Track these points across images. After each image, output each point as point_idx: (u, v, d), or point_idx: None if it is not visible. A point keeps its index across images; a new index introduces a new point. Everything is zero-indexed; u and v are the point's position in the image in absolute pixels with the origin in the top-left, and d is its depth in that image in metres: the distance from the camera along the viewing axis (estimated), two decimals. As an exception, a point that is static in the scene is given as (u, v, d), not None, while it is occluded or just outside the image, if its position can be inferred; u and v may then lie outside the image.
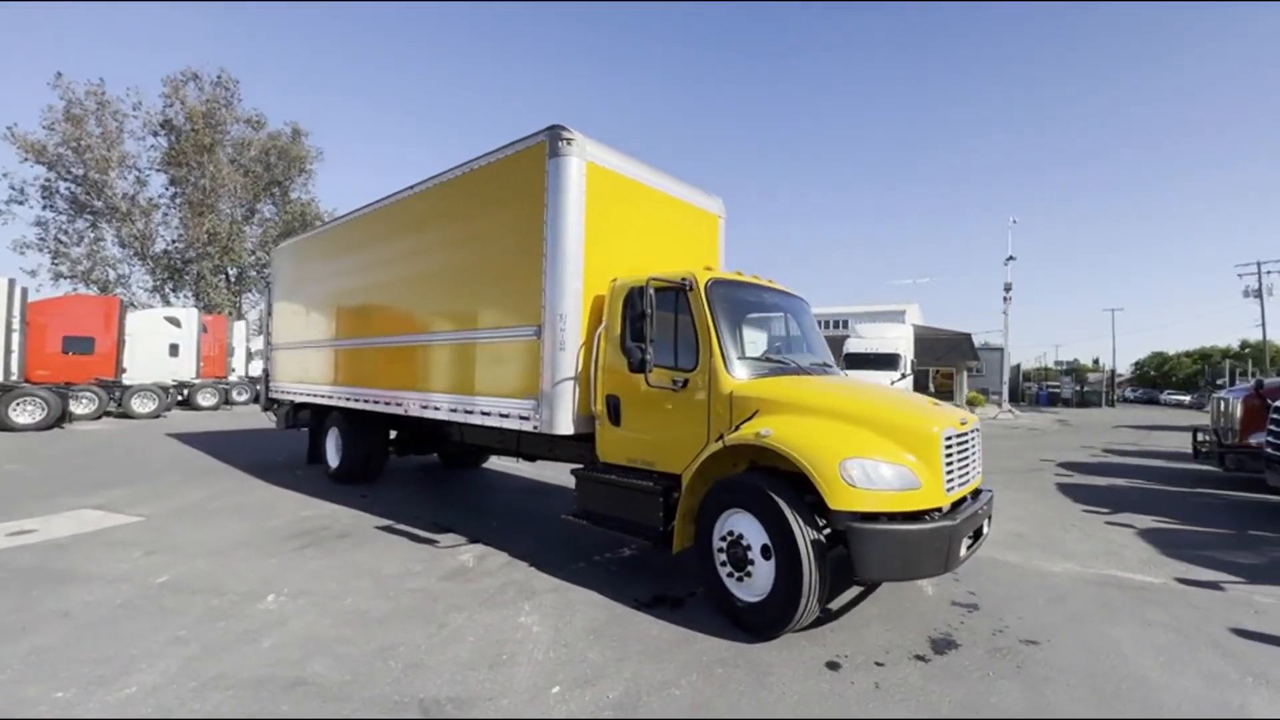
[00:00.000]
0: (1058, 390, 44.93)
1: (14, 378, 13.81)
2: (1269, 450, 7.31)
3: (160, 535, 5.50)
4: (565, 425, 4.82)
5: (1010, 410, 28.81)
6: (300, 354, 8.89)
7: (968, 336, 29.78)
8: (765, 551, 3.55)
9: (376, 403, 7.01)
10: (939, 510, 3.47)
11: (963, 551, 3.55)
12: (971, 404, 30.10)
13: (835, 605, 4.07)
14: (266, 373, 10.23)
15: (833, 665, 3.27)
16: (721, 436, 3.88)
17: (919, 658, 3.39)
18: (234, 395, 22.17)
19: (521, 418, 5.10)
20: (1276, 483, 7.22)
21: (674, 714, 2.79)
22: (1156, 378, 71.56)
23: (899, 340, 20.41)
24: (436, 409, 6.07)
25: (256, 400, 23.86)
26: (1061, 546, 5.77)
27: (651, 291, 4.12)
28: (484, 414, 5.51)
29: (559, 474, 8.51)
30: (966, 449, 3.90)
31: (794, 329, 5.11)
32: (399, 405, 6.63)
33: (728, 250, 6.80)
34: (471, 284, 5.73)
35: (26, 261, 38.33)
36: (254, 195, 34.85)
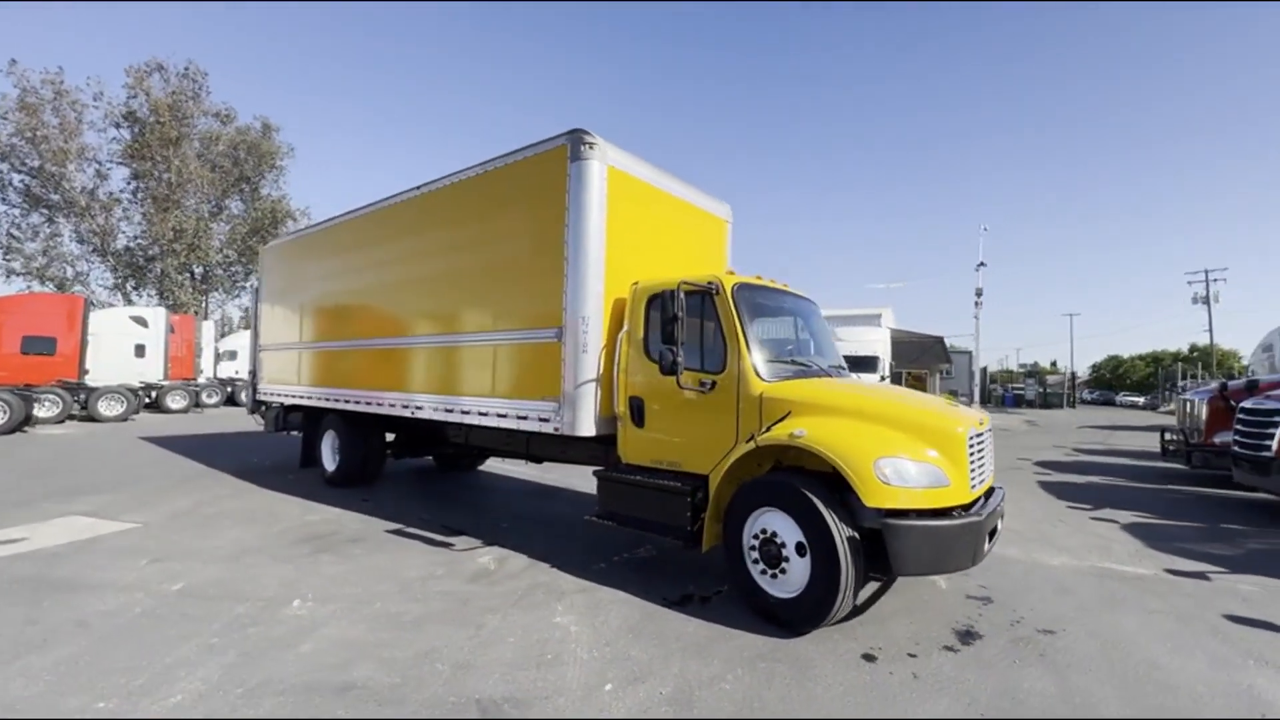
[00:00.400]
0: (1022, 392, 46.53)
1: (-28, 379, 13.14)
2: (1236, 449, 7.75)
3: (163, 542, 5.34)
4: (587, 427, 4.85)
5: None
6: (294, 355, 8.69)
7: (940, 340, 30.65)
8: (800, 549, 3.65)
9: (381, 405, 6.92)
10: (964, 507, 3.63)
11: (985, 546, 3.71)
12: (943, 405, 30.81)
13: (858, 600, 4.20)
14: (254, 374, 9.96)
15: (869, 657, 3.39)
16: (753, 437, 3.98)
17: (948, 648, 3.53)
18: (204, 398, 21.42)
19: (541, 419, 5.11)
20: (1242, 479, 7.66)
21: (728, 708, 2.86)
22: (1112, 380, 74.76)
23: (877, 344, 20.89)
24: (448, 411, 6.03)
25: (229, 402, 23.34)
26: (1055, 541, 6.03)
27: (682, 295, 4.20)
28: (500, 416, 5.50)
29: (557, 476, 8.55)
30: (984, 448, 4.08)
31: (809, 331, 5.25)
32: (405, 408, 6.57)
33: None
34: (487, 286, 5.72)
35: (-26, 257, 36.44)
36: (222, 191, 33.79)
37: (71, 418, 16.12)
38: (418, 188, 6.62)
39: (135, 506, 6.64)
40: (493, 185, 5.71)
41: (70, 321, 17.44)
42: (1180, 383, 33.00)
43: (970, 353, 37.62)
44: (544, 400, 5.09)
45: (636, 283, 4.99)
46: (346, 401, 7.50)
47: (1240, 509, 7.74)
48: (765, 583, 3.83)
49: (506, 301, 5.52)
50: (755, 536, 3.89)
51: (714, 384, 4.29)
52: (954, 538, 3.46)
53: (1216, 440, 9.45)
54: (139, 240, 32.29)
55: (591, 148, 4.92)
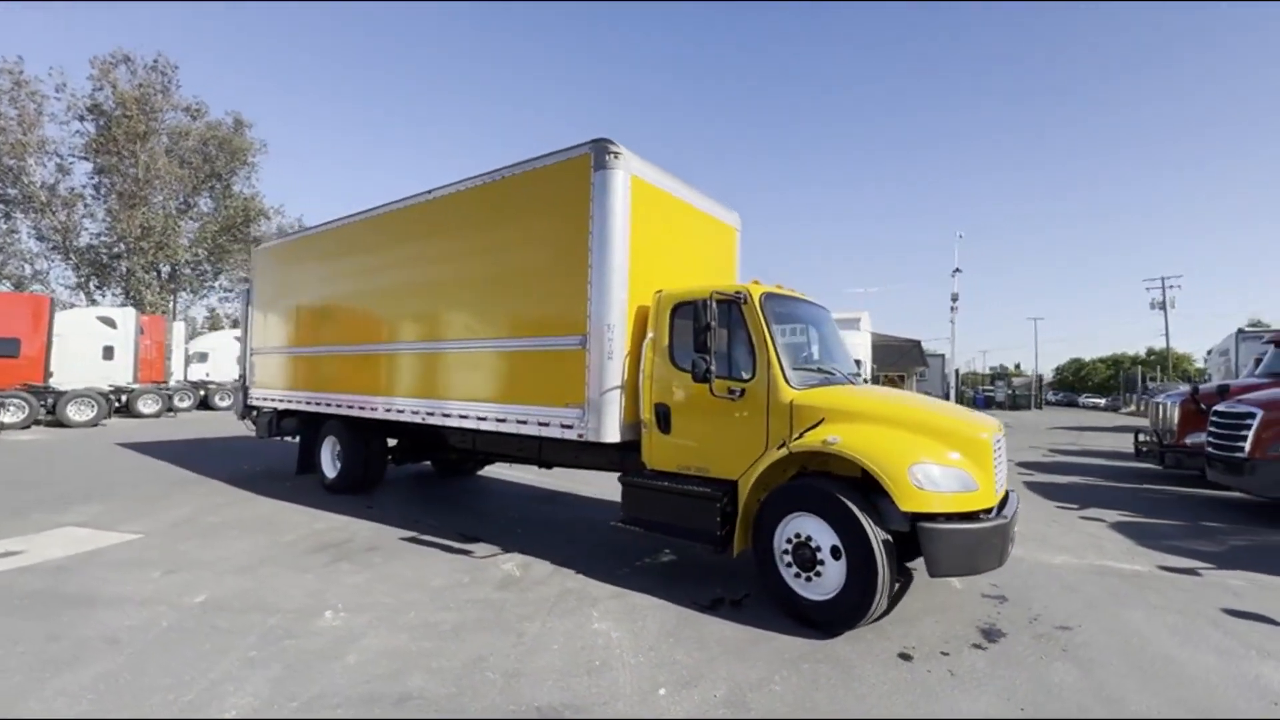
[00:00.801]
0: (992, 394, 47.96)
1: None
2: (1209, 449, 8.17)
3: (169, 553, 5.20)
4: (612, 433, 4.90)
5: (954, 413, 30.46)
6: (292, 360, 8.52)
7: (917, 343, 31.47)
8: (835, 552, 3.76)
9: (389, 411, 6.83)
10: (989, 510, 3.79)
11: (1010, 548, 3.88)
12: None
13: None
14: (244, 378, 9.72)
15: (905, 656, 3.52)
16: (784, 443, 4.08)
17: (976, 646, 3.68)
18: (177, 402, 20.72)
19: (564, 426, 5.14)
20: (1216, 478, 8.08)
21: (782, 710, 2.95)
22: (1074, 382, 77.45)
23: (859, 347, 21.36)
24: (463, 417, 6.00)
25: (203, 406, 22.62)
26: (1052, 541, 6.28)
27: (714, 304, 4.29)
28: (520, 422, 5.50)
29: (558, 481, 8.58)
30: (1001, 453, 4.26)
31: (825, 338, 5.37)
32: (415, 414, 6.51)
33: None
34: (505, 292, 5.71)
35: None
36: (192, 188, 32.75)
37: (37, 423, 15.45)
38: (428, 192, 6.57)
39: (131, 516, 6.44)
40: (510, 191, 5.72)
41: (35, 322, 16.78)
42: (1149, 386, 34.36)
43: (943, 356, 38.71)
44: (567, 407, 5.12)
45: (660, 290, 5.06)
46: (350, 407, 7.38)
47: (1216, 507, 8.15)
48: (799, 586, 3.93)
49: (526, 308, 5.53)
50: (788, 541, 3.98)
51: (743, 391, 4.38)
52: (985, 540, 3.62)
53: (1188, 441, 9.93)
54: (103, 238, 31.10)
55: (616, 157, 4.97)
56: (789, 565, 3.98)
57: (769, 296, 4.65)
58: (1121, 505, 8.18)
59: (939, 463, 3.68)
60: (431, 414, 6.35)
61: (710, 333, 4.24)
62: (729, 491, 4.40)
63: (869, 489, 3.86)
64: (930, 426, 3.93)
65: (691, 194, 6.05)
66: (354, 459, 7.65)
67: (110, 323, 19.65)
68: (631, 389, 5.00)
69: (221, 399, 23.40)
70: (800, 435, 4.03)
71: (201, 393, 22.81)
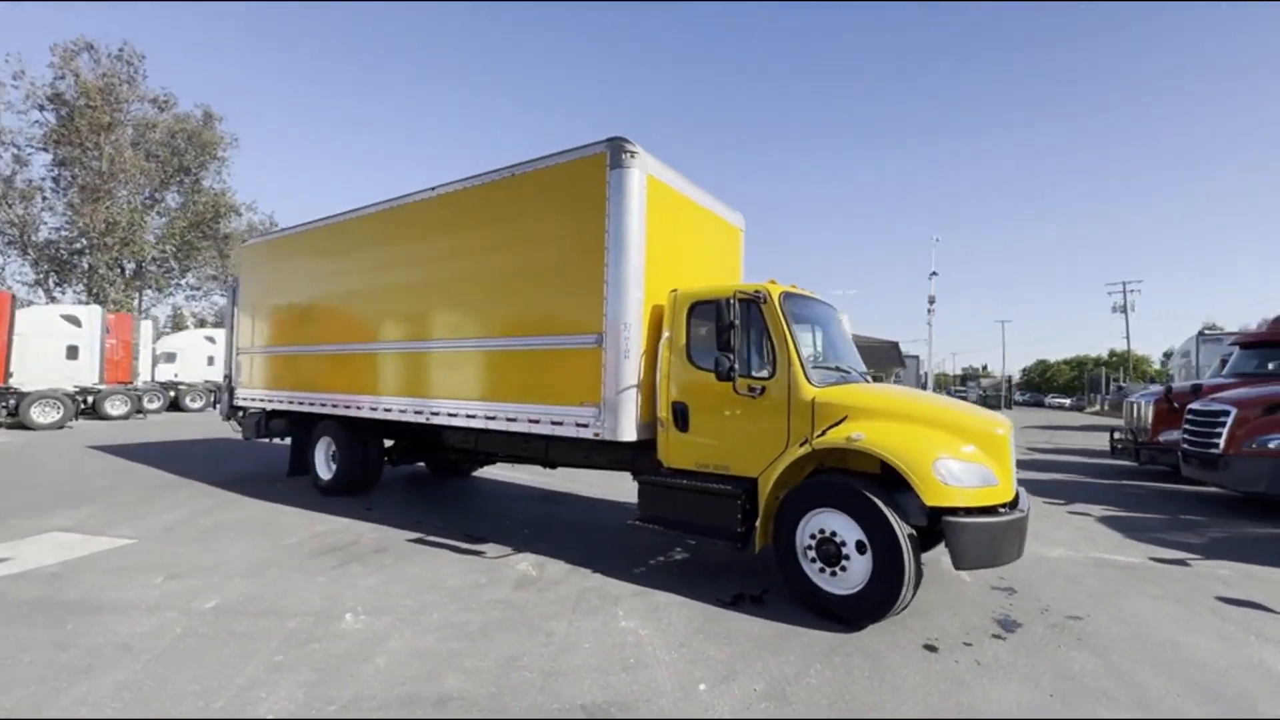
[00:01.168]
0: (965, 394, 49.20)
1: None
2: (1185, 446, 8.53)
3: (168, 558, 5.03)
4: (629, 432, 4.90)
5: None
6: (282, 359, 8.30)
7: (895, 344, 32.05)
8: (860, 547, 3.82)
9: (390, 411, 6.71)
10: (1008, 504, 3.90)
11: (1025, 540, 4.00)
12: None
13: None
14: (229, 378, 9.43)
15: (930, 648, 3.60)
16: (806, 440, 4.14)
17: (996, 636, 3.78)
18: (146, 403, 19.98)
19: (579, 425, 5.12)
20: (1191, 474, 8.45)
21: (823, 702, 2.98)
22: (1040, 383, 79.98)
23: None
24: (470, 417, 5.93)
25: (173, 407, 21.85)
26: (1046, 535, 6.48)
27: (737, 303, 4.32)
28: (531, 421, 5.46)
29: (555, 480, 8.55)
30: (1012, 448, 4.38)
31: (837, 337, 5.45)
32: (419, 414, 6.41)
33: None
34: (516, 290, 5.66)
35: None
36: (160, 182, 31.66)
37: (-1, 425, 14.76)
38: (433, 189, 6.48)
39: (119, 521, 6.20)
40: (522, 189, 5.67)
41: (-5, 320, 16.00)
42: (1123, 387, 35.59)
43: (918, 357, 39.60)
44: (582, 406, 5.10)
45: (676, 289, 5.09)
46: (346, 407, 7.23)
47: (1193, 501, 8.51)
48: (823, 581, 3.99)
49: (538, 306, 5.49)
50: (812, 536, 4.04)
51: (763, 389, 4.42)
52: (1006, 533, 3.72)
53: (1162, 439, 10.37)
54: (63, 233, 29.84)
55: (633, 156, 4.98)
56: (813, 561, 4.03)
57: (787, 296, 4.71)
58: (1105, 500, 8.47)
59: (960, 458, 3.78)
60: (436, 414, 6.26)
61: (734, 331, 4.27)
62: (749, 489, 4.44)
63: (888, 485, 3.94)
64: (949, 423, 4.03)
65: (699, 193, 6.09)
66: (351, 460, 7.49)
67: (74, 321, 18.85)
68: (647, 388, 5.01)
69: (193, 400, 22.68)
70: (823, 432, 4.09)
71: (171, 394, 22.06)
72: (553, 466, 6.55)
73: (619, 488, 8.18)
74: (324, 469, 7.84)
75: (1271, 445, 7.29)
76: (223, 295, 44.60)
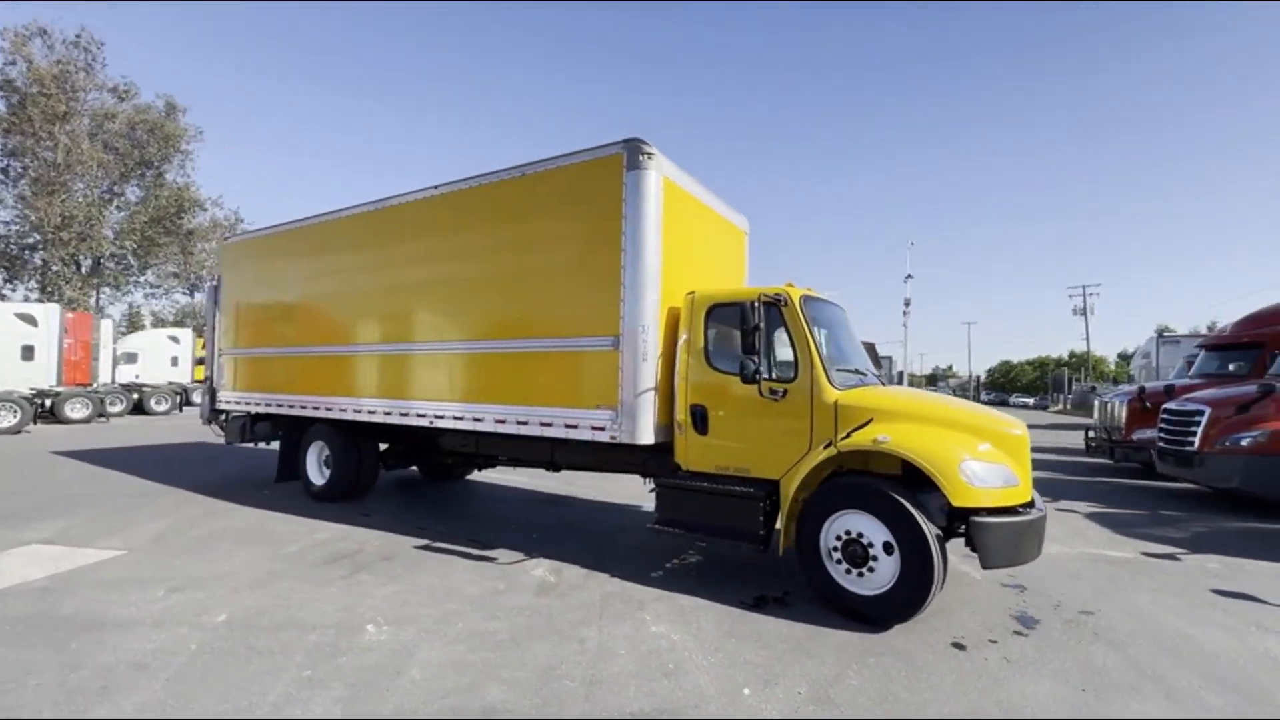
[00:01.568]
0: (935, 394, 50.57)
1: None
2: (1161, 444, 8.90)
3: (166, 570, 4.81)
4: (647, 435, 4.88)
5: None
6: (271, 360, 8.02)
7: (872, 345, 32.70)
8: (887, 548, 3.87)
9: (387, 414, 6.55)
10: (1028, 504, 4.00)
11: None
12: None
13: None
14: (211, 380, 9.08)
15: (958, 646, 3.66)
16: (831, 443, 4.17)
17: (1018, 633, 3.87)
18: (108, 406, 19.09)
19: (595, 428, 5.07)
20: (1166, 471, 8.82)
21: (868, 703, 3.01)
22: (1004, 383, 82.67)
23: (822, 349, 22.07)
24: (477, 420, 5.82)
25: (137, 410, 20.93)
26: (1040, 531, 6.68)
27: (761, 306, 4.34)
28: (543, 424, 5.40)
29: (552, 483, 8.48)
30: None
31: (846, 340, 5.50)
32: (422, 417, 6.27)
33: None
34: (527, 291, 5.58)
35: None
36: (120, 175, 30.32)
37: (-52, 430, 13.92)
38: (435, 187, 6.35)
39: (102, 531, 5.91)
40: (533, 189, 5.59)
41: (-56, 319, 15.12)
42: (1095, 388, 36.97)
43: (891, 357, 40.49)
44: (597, 409, 5.06)
45: (693, 292, 5.08)
46: (343, 410, 7.03)
47: (1169, 496, 8.88)
48: (849, 582, 4.03)
49: (552, 308, 5.42)
50: (837, 538, 4.07)
51: (785, 392, 4.45)
52: (1029, 532, 3.82)
53: (1135, 437, 10.80)
54: (14, 227, 28.33)
55: (650, 158, 4.96)
56: (838, 562, 4.07)
57: (808, 299, 4.75)
58: (1087, 497, 8.78)
59: (984, 459, 3.86)
60: (440, 417, 6.13)
61: (758, 334, 4.29)
62: (770, 491, 4.46)
63: (909, 486, 4.01)
64: (971, 425, 4.11)
65: (707, 195, 6.10)
66: (346, 465, 7.28)
67: (30, 320, 17.92)
68: (664, 390, 4.99)
69: (158, 403, 21.79)
70: (848, 434, 4.13)
71: (135, 396, 21.14)
72: (557, 469, 6.48)
73: (615, 490, 8.19)
74: (316, 474, 7.61)
75: (1244, 443, 7.65)
76: (184, 293, 43.03)
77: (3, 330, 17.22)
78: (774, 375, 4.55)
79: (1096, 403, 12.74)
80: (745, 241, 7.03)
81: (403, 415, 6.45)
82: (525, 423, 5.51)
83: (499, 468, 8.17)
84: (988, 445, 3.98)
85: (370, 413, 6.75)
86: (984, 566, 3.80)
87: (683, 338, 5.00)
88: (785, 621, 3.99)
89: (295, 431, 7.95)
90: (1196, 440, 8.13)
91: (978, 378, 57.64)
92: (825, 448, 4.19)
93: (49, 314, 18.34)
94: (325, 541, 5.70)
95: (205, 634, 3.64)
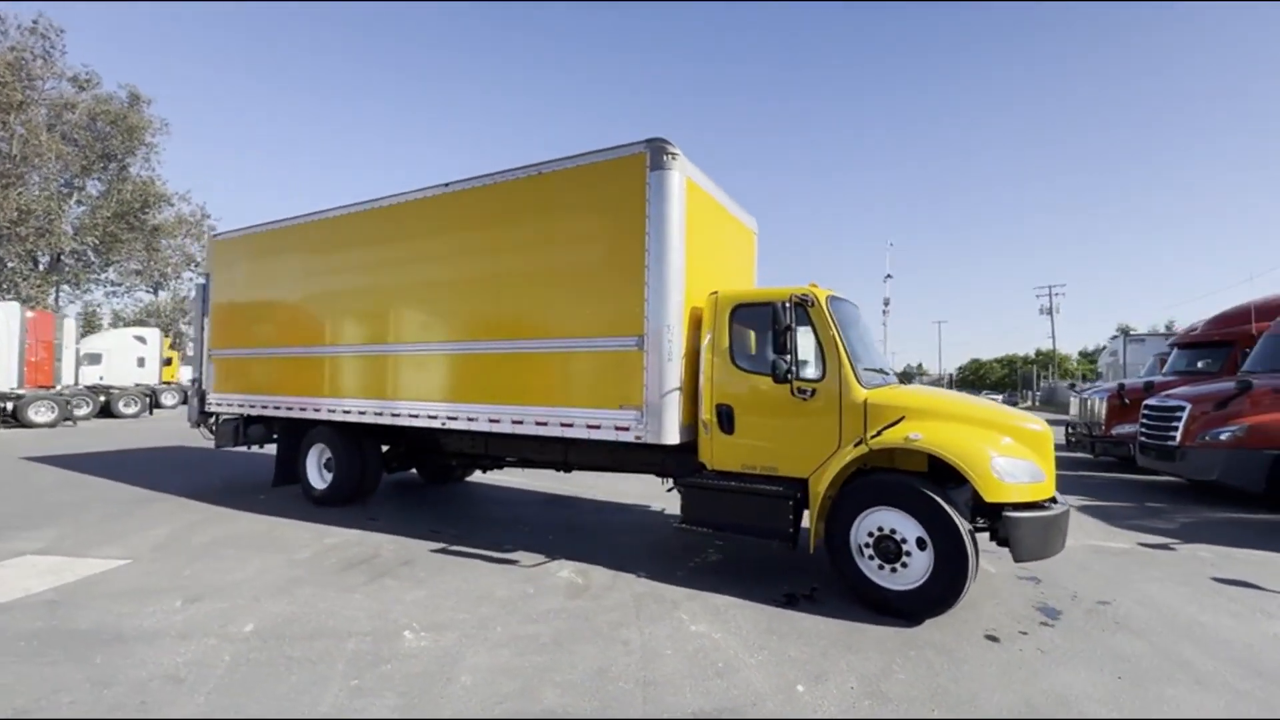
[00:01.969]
0: (909, 392, 51.64)
1: None
2: (1142, 439, 9.26)
3: (178, 579, 4.64)
4: (672, 435, 4.89)
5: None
6: (269, 361, 7.78)
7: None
8: (920, 543, 3.96)
9: (396, 416, 6.43)
10: (1053, 499, 4.13)
11: (1065, 532, 4.24)
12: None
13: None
14: (199, 382, 8.77)
15: (992, 638, 3.76)
16: (861, 440, 4.24)
17: (1044, 624, 4.00)
18: (74, 409, 18.28)
19: (618, 428, 5.06)
20: (1147, 464, 9.19)
21: (921, 696, 3.07)
22: (974, 380, 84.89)
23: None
24: (494, 421, 5.75)
25: (104, 413, 20.08)
26: (1039, 524, 6.89)
27: (793, 307, 4.39)
28: (564, 425, 5.36)
29: (554, 484, 8.43)
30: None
31: (863, 338, 5.57)
32: (434, 418, 6.17)
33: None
34: (547, 291, 5.53)
35: None
36: (81, 168, 29.04)
37: (-97, 436, 13.17)
38: (446, 185, 6.25)
39: (99, 540, 5.67)
40: (552, 188, 5.55)
41: (-103, 318, 14.30)
42: (1073, 384, 38.19)
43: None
44: (621, 409, 5.05)
45: (716, 292, 5.11)
46: (346, 412, 6.87)
47: (1150, 489, 9.24)
48: (881, 577, 4.10)
49: (573, 308, 5.38)
50: (869, 535, 4.15)
51: (813, 391, 4.51)
52: (1057, 525, 3.95)
53: (1114, 432, 11.22)
54: (-36, 221, 26.87)
55: (674, 158, 4.97)
56: (870, 559, 4.14)
57: (833, 299, 4.81)
58: (1075, 490, 9.07)
59: (1012, 456, 3.98)
60: (454, 418, 6.04)
61: (790, 334, 4.34)
62: (801, 489, 4.51)
63: (945, 482, 4.11)
64: (997, 423, 4.22)
65: (721, 194, 6.13)
66: (349, 468, 7.11)
67: (-13, 319, 17.08)
68: (688, 390, 5.00)
69: (126, 405, 20.96)
70: (879, 433, 4.21)
71: (102, 398, 20.29)
72: (568, 470, 6.45)
73: (614, 489, 8.25)
74: (317, 478, 7.42)
75: (1223, 437, 8.00)
76: (148, 291, 41.49)
77: (-41, 330, 16.38)
78: (801, 375, 4.60)
79: (1076, 399, 13.18)
80: (754, 241, 7.09)
81: (412, 417, 6.34)
82: (544, 423, 5.47)
83: (495, 469, 8.07)
84: (1014, 442, 4.09)
85: (377, 415, 6.61)
86: (1015, 560, 3.91)
87: (706, 338, 5.02)
88: (819, 618, 4.05)
89: (293, 434, 7.74)
90: (1178, 435, 8.48)
91: (950, 375, 59.10)
92: (855, 445, 4.26)
93: (9, 313, 17.51)
94: (338, 547, 5.57)
95: (236, 645, 3.53)
